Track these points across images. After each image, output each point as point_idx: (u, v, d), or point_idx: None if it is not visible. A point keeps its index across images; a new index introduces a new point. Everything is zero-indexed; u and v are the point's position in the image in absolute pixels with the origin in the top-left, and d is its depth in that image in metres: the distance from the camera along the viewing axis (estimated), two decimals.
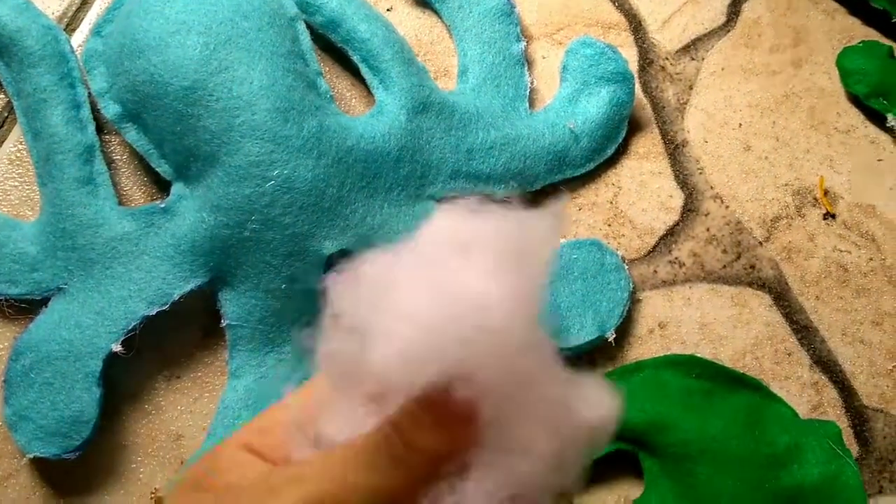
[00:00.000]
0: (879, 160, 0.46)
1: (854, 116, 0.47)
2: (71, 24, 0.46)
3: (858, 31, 0.49)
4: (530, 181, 0.43)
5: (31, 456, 0.36)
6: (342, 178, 0.39)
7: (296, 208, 0.37)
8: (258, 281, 0.38)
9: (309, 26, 0.44)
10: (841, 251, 0.44)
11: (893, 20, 0.48)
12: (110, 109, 0.40)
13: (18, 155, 0.43)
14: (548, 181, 0.43)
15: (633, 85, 0.44)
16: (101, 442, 0.38)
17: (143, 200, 0.42)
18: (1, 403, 0.37)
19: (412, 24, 0.47)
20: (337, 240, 0.38)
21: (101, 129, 0.42)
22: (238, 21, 0.39)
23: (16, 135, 0.43)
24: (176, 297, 0.37)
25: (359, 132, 0.40)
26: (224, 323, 0.38)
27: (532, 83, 0.46)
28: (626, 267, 0.41)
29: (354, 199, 0.39)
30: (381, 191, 0.40)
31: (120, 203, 0.40)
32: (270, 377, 0.38)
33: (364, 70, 0.43)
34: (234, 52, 0.39)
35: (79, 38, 0.46)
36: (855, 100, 0.47)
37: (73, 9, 0.46)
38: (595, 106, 0.44)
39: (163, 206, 0.39)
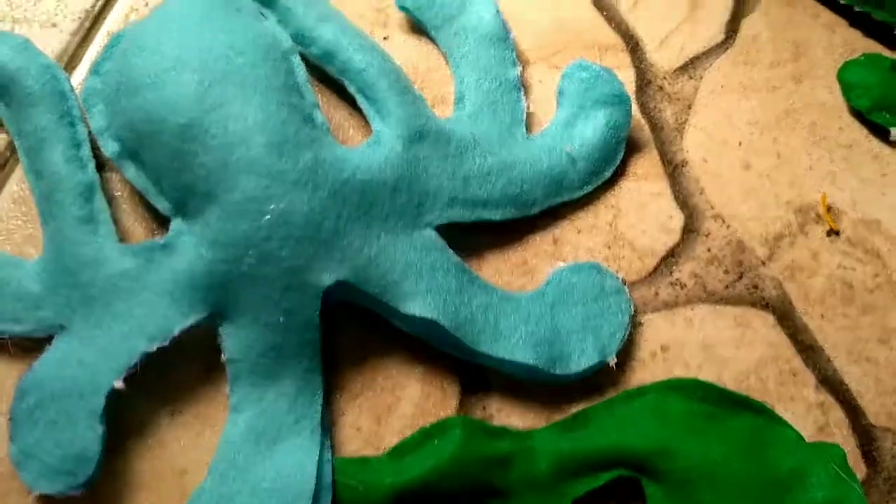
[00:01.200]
0: (884, 175, 0.46)
1: (856, 131, 0.47)
2: (71, 62, 0.47)
3: (860, 44, 0.49)
4: (528, 205, 0.43)
5: (38, 493, 0.37)
6: (338, 209, 0.39)
7: (292, 242, 0.38)
8: (257, 315, 0.38)
9: (305, 58, 0.45)
10: (845, 268, 0.43)
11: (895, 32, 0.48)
12: (109, 147, 0.41)
13: (21, 194, 0.44)
14: (546, 205, 0.44)
15: (630, 107, 0.45)
16: (106, 478, 0.38)
17: (143, 236, 0.43)
18: (7, 441, 0.38)
19: (409, 52, 0.48)
20: (335, 272, 0.39)
21: (101, 166, 0.43)
22: (233, 57, 0.40)
23: (19, 174, 0.44)
24: (176, 332, 0.38)
25: (355, 163, 0.41)
26: (224, 358, 0.39)
27: (528, 108, 0.46)
28: (627, 290, 0.42)
29: (351, 231, 0.39)
30: (377, 221, 0.40)
31: (121, 240, 0.41)
32: (271, 412, 0.38)
33: (360, 100, 0.44)
34: (230, 88, 0.39)
35: (80, 76, 0.47)
36: (857, 114, 0.47)
37: (73, 46, 0.48)
38: (592, 129, 0.44)
39: (162, 242, 0.39)
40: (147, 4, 0.49)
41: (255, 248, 0.38)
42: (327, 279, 0.39)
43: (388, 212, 0.41)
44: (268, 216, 0.38)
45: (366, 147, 0.42)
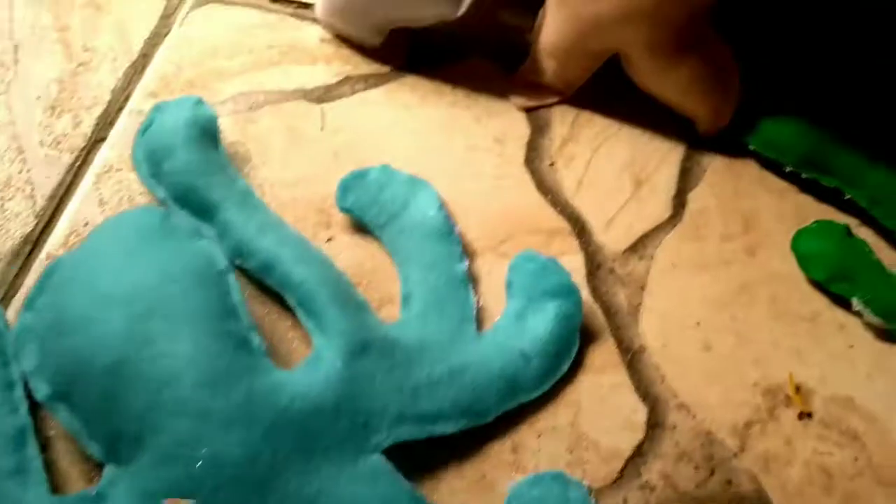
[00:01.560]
0: (851, 346, 0.44)
1: (818, 301, 0.46)
2: (9, 291, 0.46)
3: (812, 209, 0.48)
4: (483, 414, 0.41)
5: None
6: (275, 445, 0.37)
7: (226, 483, 0.36)
8: None
9: (245, 271, 0.44)
10: (822, 454, 0.41)
11: (846, 197, 0.47)
12: (40, 390, 0.39)
13: None
14: (501, 410, 0.42)
15: (579, 297, 0.43)
16: None
17: (79, 479, 0.41)
18: None
19: (353, 253, 0.47)
20: None
21: (36, 404, 0.41)
22: (164, 286, 0.39)
23: None
24: None
25: (293, 390, 0.39)
26: None
27: (478, 301, 0.45)
28: (593, 500, 0.39)
29: (290, 466, 0.37)
30: (318, 452, 0.38)
31: (55, 483, 0.39)
32: None
33: (300, 314, 0.43)
34: (159, 322, 0.38)
35: (17, 304, 0.46)
36: (817, 284, 0.46)
37: (11, 276, 0.47)
38: (543, 322, 0.43)
39: (94, 492, 0.37)
40: (87, 224, 0.48)
41: (189, 496, 0.36)
42: None
43: (330, 442, 0.39)
44: (199, 462, 0.36)
45: (304, 367, 0.41)
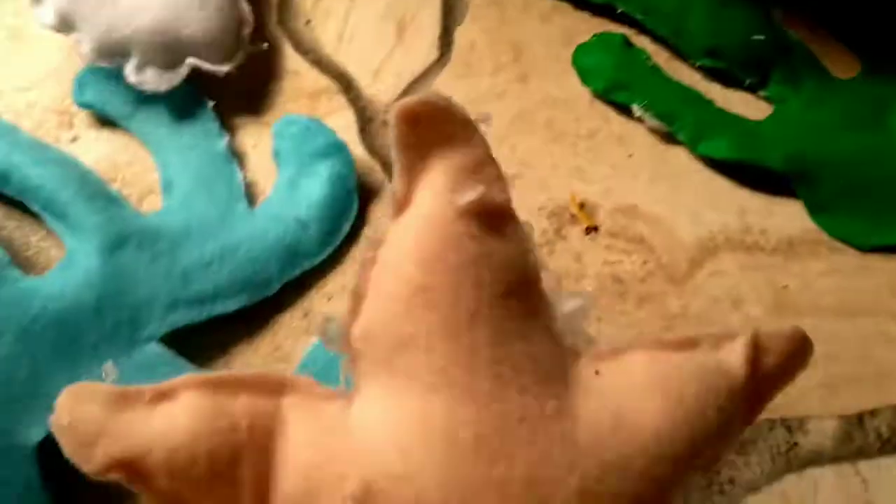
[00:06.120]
0: (630, 156, 0.46)
1: (595, 118, 0.47)
2: None
3: (582, 29, 0.49)
4: (264, 285, 0.41)
5: None
6: (32, 352, 0.36)
7: None
8: None
9: None
10: (612, 263, 0.43)
11: (619, 10, 0.48)
12: None
13: None
14: (284, 279, 0.41)
15: (348, 155, 0.43)
16: None
17: None
18: None
19: (102, 149, 0.45)
20: (43, 424, 0.35)
21: None
22: None
23: None
24: None
25: (45, 293, 0.37)
26: None
27: (245, 177, 0.44)
28: None
29: (54, 372, 0.36)
30: (85, 353, 0.37)
31: None
32: None
33: (48, 219, 0.41)
34: None
35: None
36: (594, 101, 0.47)
37: None
38: (316, 186, 0.42)
39: None
40: None
41: None
42: (37, 433, 0.35)
43: (96, 339, 0.37)
44: None
45: (57, 272, 0.39)
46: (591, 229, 0.43)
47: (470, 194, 0.20)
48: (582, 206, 0.44)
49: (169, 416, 0.20)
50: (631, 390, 0.21)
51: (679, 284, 0.43)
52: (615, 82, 0.46)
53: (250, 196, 0.43)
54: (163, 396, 0.20)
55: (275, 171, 0.44)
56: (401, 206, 0.21)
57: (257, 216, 0.42)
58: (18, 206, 0.43)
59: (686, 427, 0.21)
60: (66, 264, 0.39)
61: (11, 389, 0.35)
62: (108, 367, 0.21)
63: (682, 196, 0.45)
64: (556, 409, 0.20)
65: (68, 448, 0.20)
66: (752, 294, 0.43)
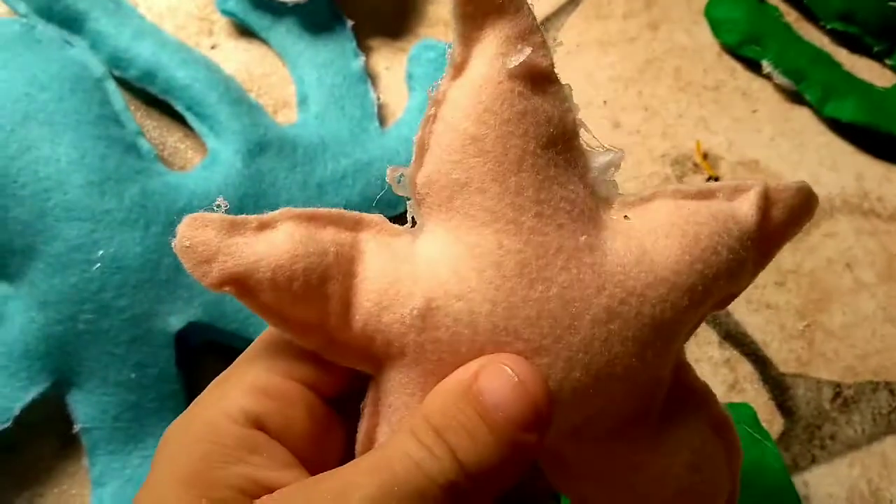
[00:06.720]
0: (754, 111, 0.46)
1: (721, 71, 0.47)
2: None
3: None
4: (393, 205, 0.42)
5: None
6: None
7: (130, 288, 0.36)
8: (105, 375, 0.36)
9: (127, 81, 0.43)
10: None
11: None
12: None
13: None
14: None
15: None
16: None
17: None
18: None
19: (241, 59, 0.46)
20: (183, 313, 0.37)
21: None
22: (35, 94, 0.38)
23: None
24: (17, 410, 0.36)
25: (190, 189, 0.39)
26: (77, 427, 0.36)
27: (379, 98, 0.45)
28: None
29: None
30: None
31: None
32: (137, 479, 0.36)
33: (190, 118, 0.42)
34: (35, 129, 0.37)
35: None
36: (721, 53, 0.47)
37: None
38: None
39: None
40: None
41: (90, 301, 0.36)
42: (176, 323, 0.37)
43: None
44: (98, 264, 0.36)
45: (201, 170, 0.40)
46: (713, 179, 0.44)
47: (518, 58, 0.22)
48: (705, 155, 0.45)
49: (271, 240, 0.23)
50: (654, 230, 0.24)
51: (794, 241, 0.43)
52: (747, 35, 0.47)
53: (380, 117, 0.45)
54: (265, 225, 0.23)
55: (405, 94, 0.45)
56: (458, 69, 0.24)
57: (389, 136, 0.43)
58: (157, 106, 0.44)
59: (700, 263, 0.24)
60: (209, 163, 0.40)
61: (157, 276, 0.37)
62: (221, 200, 0.23)
63: (803, 155, 0.45)
64: (588, 244, 0.23)
65: (188, 265, 0.23)
66: (865, 258, 0.43)
